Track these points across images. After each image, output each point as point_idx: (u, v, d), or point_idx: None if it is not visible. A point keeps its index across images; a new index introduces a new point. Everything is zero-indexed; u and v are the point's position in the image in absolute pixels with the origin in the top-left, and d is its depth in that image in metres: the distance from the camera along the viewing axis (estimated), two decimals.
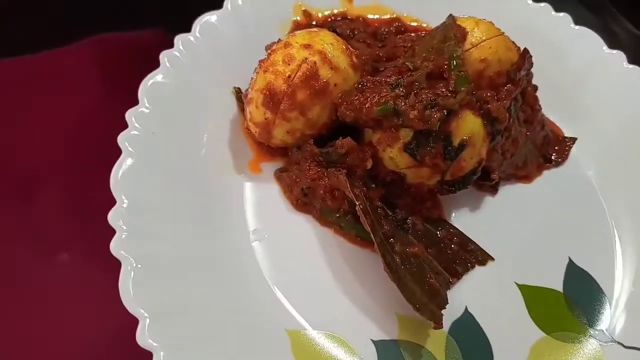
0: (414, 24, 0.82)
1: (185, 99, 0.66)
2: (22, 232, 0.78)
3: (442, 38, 0.65)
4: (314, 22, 0.77)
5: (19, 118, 0.94)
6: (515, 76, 0.63)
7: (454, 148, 0.58)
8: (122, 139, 0.59)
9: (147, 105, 0.62)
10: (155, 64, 0.95)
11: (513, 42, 0.68)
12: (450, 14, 0.69)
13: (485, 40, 0.65)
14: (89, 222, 0.85)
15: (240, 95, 0.69)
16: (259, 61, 0.64)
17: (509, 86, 0.63)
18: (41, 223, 0.82)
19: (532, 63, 0.66)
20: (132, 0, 1.03)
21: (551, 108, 0.75)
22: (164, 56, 0.67)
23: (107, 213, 0.82)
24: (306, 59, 0.60)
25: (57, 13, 1.02)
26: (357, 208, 0.56)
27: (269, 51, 0.63)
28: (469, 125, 0.59)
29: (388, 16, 0.81)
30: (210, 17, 0.72)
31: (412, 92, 0.57)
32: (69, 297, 0.69)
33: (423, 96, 0.56)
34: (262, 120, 0.62)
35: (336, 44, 0.62)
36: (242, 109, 0.69)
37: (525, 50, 0.65)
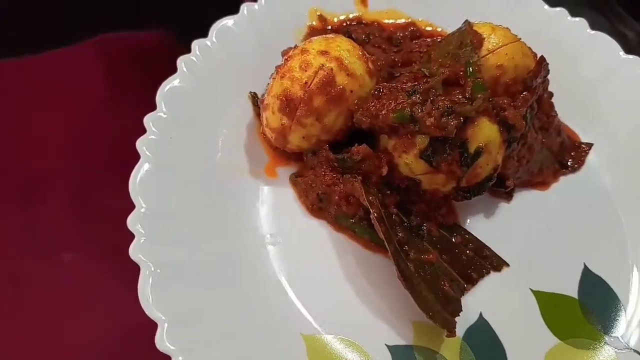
0: (429, 28, 0.82)
1: (202, 104, 0.67)
2: (27, 234, 0.79)
3: (458, 44, 0.65)
4: (329, 27, 0.78)
5: (23, 118, 0.93)
6: (531, 83, 0.63)
7: (470, 155, 0.58)
8: (140, 144, 0.60)
9: (164, 110, 0.63)
10: (159, 65, 0.95)
11: (529, 48, 0.68)
12: (467, 20, 0.69)
13: (501, 47, 0.65)
14: (96, 223, 0.85)
15: (256, 100, 0.70)
16: (276, 67, 0.64)
17: (526, 93, 0.63)
18: (47, 225, 0.82)
19: (548, 70, 0.66)
20: (136, 1, 1.04)
21: (567, 114, 0.75)
22: (181, 61, 0.67)
23: (114, 214, 0.83)
24: (323, 65, 0.60)
25: (61, 13, 1.02)
26: (371, 216, 0.56)
27: (286, 57, 0.63)
28: (485, 132, 0.59)
29: (403, 21, 0.81)
30: (226, 22, 0.72)
31: (429, 99, 0.57)
32: (75, 300, 0.70)
33: (440, 103, 0.56)
34: (279, 125, 0.62)
35: (353, 50, 0.62)
36: (258, 114, 0.69)
37: (542, 58, 0.65)
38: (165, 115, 0.63)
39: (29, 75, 1.03)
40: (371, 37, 0.77)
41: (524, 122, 0.61)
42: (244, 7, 0.74)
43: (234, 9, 0.75)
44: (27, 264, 0.78)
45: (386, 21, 0.81)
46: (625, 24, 1.01)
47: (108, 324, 0.66)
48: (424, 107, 0.56)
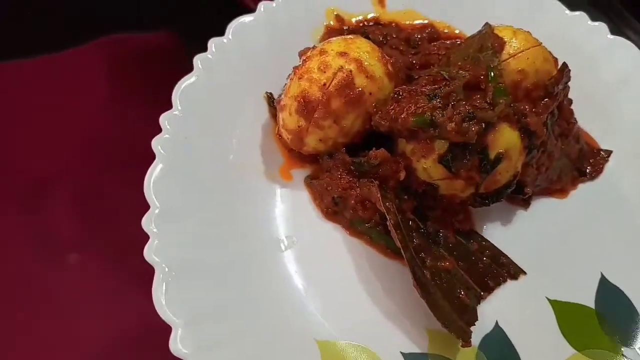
0: (447, 30, 0.81)
1: (217, 103, 0.66)
2: (31, 235, 0.78)
3: (479, 47, 0.64)
4: (346, 27, 0.77)
5: (26, 119, 0.93)
6: (553, 90, 0.62)
7: (490, 161, 0.57)
8: (155, 143, 0.59)
9: (179, 108, 0.62)
10: (163, 65, 0.94)
11: (550, 53, 0.67)
12: (487, 23, 0.68)
13: (523, 51, 0.64)
14: (101, 224, 0.85)
15: (272, 101, 0.69)
16: (293, 68, 0.64)
17: (547, 100, 0.62)
18: (52, 226, 0.82)
19: (570, 77, 0.64)
20: (141, 2, 1.03)
21: (586, 119, 0.73)
22: (197, 59, 0.67)
23: (119, 215, 0.81)
24: (342, 67, 0.59)
25: (67, 14, 1.02)
26: (388, 223, 0.55)
27: (304, 58, 0.63)
28: (506, 138, 0.58)
29: (421, 22, 0.80)
30: (243, 19, 0.72)
31: (450, 104, 0.56)
32: (80, 302, 0.70)
33: (461, 108, 0.55)
34: (295, 127, 0.61)
35: (372, 52, 0.62)
36: (273, 115, 0.68)
37: (564, 65, 0.64)
38: (180, 114, 0.62)
39: (32, 76, 1.03)
40: (388, 38, 0.76)
41: (545, 129, 0.60)
42: (261, 5, 0.73)
43: (235, 9, 0.74)
44: (31, 266, 0.77)
45: (404, 22, 0.80)
46: (628, 25, 1.00)
47: (113, 326, 0.66)
48: (444, 112, 0.55)
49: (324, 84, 0.59)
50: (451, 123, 0.55)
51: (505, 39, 0.65)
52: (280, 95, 0.66)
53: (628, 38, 0.80)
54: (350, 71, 0.59)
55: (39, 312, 0.70)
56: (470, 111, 0.55)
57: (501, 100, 0.57)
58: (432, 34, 0.79)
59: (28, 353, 0.64)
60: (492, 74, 0.59)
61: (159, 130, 0.97)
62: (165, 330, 0.50)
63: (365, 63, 0.60)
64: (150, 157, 0.93)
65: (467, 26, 0.80)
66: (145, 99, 1.04)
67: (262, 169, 0.66)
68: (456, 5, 0.82)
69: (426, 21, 0.80)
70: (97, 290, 0.78)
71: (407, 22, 0.80)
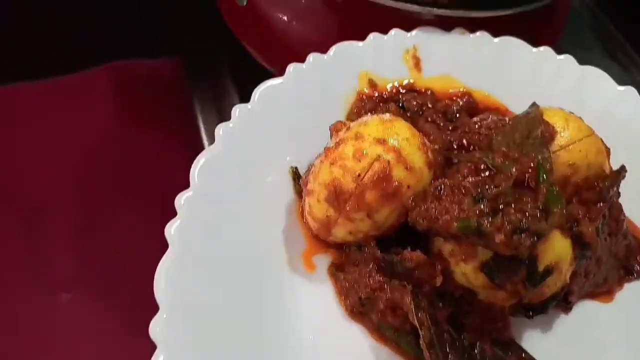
0: (486, 100, 0.75)
1: (238, 178, 0.61)
2: (25, 267, 0.76)
3: (526, 133, 0.59)
4: (378, 94, 0.71)
5: (27, 145, 0.91)
6: (607, 194, 0.56)
7: (539, 274, 0.52)
8: (168, 229, 0.54)
9: (197, 188, 0.57)
10: (170, 92, 0.91)
11: (603, 142, 0.62)
12: (535, 104, 0.63)
13: (575, 143, 0.59)
14: (100, 259, 0.83)
15: (297, 176, 0.64)
16: (325, 148, 0.58)
17: (601, 205, 0.56)
18: (47, 258, 0.79)
19: (625, 175, 0.59)
20: (147, 28, 1.03)
21: (633, 208, 0.67)
22: (220, 129, 0.61)
23: (118, 250, 0.80)
24: (379, 156, 0.54)
25: (71, 38, 1.01)
26: (420, 341, 0.50)
27: (337, 140, 0.57)
28: (557, 248, 0.52)
29: (458, 90, 0.74)
30: (271, 83, 0.66)
31: (499, 210, 0.50)
32: (71, 345, 0.68)
33: (512, 217, 0.50)
34: (324, 217, 0.56)
35: (412, 138, 0.56)
36: (298, 192, 0.63)
37: (622, 167, 0.58)
38: (195, 195, 0.56)
39: (34, 100, 1.03)
40: (424, 108, 0.71)
41: (598, 239, 0.55)
42: (290, 67, 0.68)
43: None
44: (22, 301, 0.74)
45: (440, 89, 0.74)
46: None
47: None
48: (493, 220, 0.50)
49: (359, 175, 0.54)
50: (500, 234, 0.49)
51: (557, 128, 0.59)
52: (307, 172, 0.61)
53: None
54: (388, 162, 0.54)
55: (27, 354, 0.67)
56: (522, 221, 0.49)
57: (555, 210, 0.51)
58: (470, 103, 0.74)
59: None
60: (544, 175, 0.53)
61: (163, 161, 0.95)
62: None
63: (405, 152, 0.55)
64: (154, 190, 0.91)
65: (509, 97, 0.76)
66: (151, 127, 1.03)
67: (284, 254, 0.60)
68: (498, 72, 0.76)
69: (465, 89, 0.75)
70: (88, 329, 0.76)
71: (444, 89, 0.75)
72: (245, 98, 0.65)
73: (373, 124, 0.57)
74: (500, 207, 0.51)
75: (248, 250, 0.58)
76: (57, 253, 0.81)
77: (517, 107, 0.70)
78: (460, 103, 0.73)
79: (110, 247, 0.88)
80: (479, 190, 0.53)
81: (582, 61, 0.76)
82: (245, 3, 0.69)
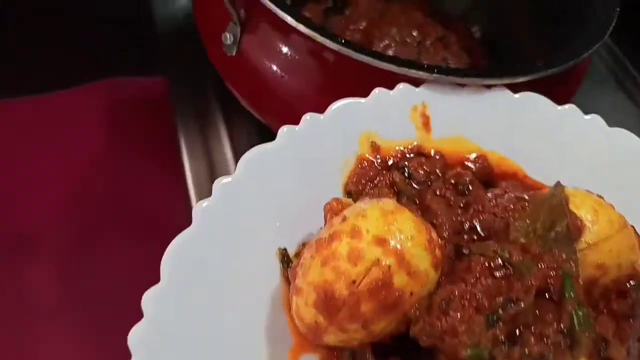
0: (502, 165, 0.68)
1: (216, 263, 0.53)
2: (8, 296, 0.74)
3: (549, 224, 0.52)
4: (380, 159, 0.63)
5: (15, 164, 0.90)
6: None
7: None
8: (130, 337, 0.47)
9: (167, 280, 0.50)
10: (163, 112, 0.88)
11: (636, 234, 0.54)
12: (559, 183, 0.55)
13: (605, 240, 0.51)
14: (86, 289, 0.82)
15: (286, 259, 0.56)
16: (317, 240, 0.51)
17: (633, 322, 0.49)
18: (31, 288, 0.77)
19: None
20: (140, 46, 1.00)
21: None
22: (198, 207, 0.54)
23: (103, 282, 0.78)
24: (378, 260, 0.46)
25: (63, 55, 0.98)
26: None
27: (331, 232, 0.49)
28: None
29: (472, 155, 0.66)
30: (259, 150, 0.58)
31: (515, 336, 0.43)
32: None
33: (531, 348, 0.42)
34: (312, 322, 0.49)
35: (417, 236, 0.48)
36: (286, 278, 0.56)
37: None
38: (164, 291, 0.49)
39: (23, 118, 0.99)
40: (432, 177, 0.63)
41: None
42: (284, 128, 0.60)
43: None
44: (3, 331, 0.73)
45: (451, 152, 0.66)
46: None
47: None
48: (509, 352, 0.42)
49: (354, 281, 0.46)
50: None
51: (585, 223, 0.52)
52: (296, 258, 0.54)
53: None
54: (389, 267, 0.46)
55: None
56: (543, 354, 0.42)
57: (584, 339, 0.43)
58: (484, 168, 0.66)
59: None
60: (571, 292, 0.46)
61: (148, 184, 0.92)
62: None
63: (408, 255, 0.47)
64: (138, 214, 0.87)
65: (526, 158, 0.68)
66: (143, 147, 1.00)
67: (268, 353, 0.53)
68: (515, 132, 0.68)
69: (479, 152, 0.67)
70: (72, 355, 0.73)
71: (455, 152, 0.67)
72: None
73: (373, 217, 0.49)
74: (517, 332, 0.43)
75: (227, 346, 0.50)
76: (41, 278, 0.80)
77: (536, 169, 0.66)
78: (474, 169, 0.65)
79: (95, 272, 0.84)
80: (493, 305, 0.45)
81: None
82: (234, 53, 0.62)
